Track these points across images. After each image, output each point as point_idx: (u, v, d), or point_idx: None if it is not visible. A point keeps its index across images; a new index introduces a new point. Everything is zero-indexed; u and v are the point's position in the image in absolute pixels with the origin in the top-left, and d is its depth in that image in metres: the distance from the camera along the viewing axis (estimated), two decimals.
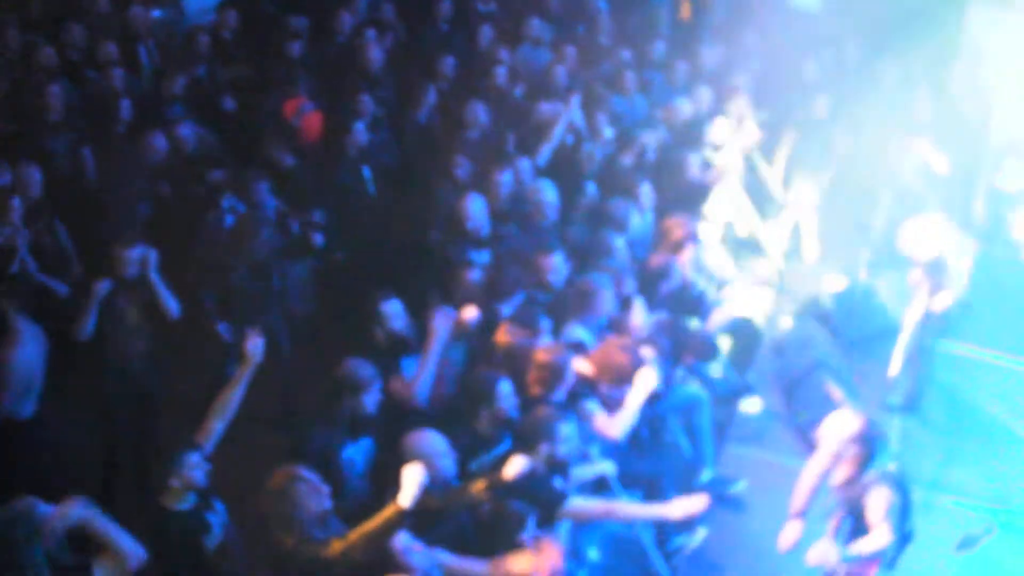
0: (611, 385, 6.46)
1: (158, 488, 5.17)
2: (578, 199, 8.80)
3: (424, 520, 5.18)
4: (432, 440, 5.53)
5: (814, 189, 11.14)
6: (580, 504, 5.84)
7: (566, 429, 5.79)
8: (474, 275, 7.26)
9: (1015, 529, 7.50)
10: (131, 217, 7.80)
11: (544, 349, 6.30)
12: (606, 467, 6.36)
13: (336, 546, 4.96)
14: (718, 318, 7.83)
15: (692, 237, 8.04)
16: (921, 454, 6.22)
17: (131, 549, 4.72)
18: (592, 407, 6.35)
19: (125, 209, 7.82)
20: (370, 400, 5.89)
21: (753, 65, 11.47)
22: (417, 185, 8.91)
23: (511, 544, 5.30)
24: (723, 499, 7.58)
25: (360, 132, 8.74)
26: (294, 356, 7.63)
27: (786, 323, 9.66)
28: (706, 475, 7.55)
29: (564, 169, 8.90)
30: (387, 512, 5.01)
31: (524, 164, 8.63)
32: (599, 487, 6.36)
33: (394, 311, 6.60)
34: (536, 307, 7.06)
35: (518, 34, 11.15)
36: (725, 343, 8.44)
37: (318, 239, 8.21)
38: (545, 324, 6.88)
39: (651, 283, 7.72)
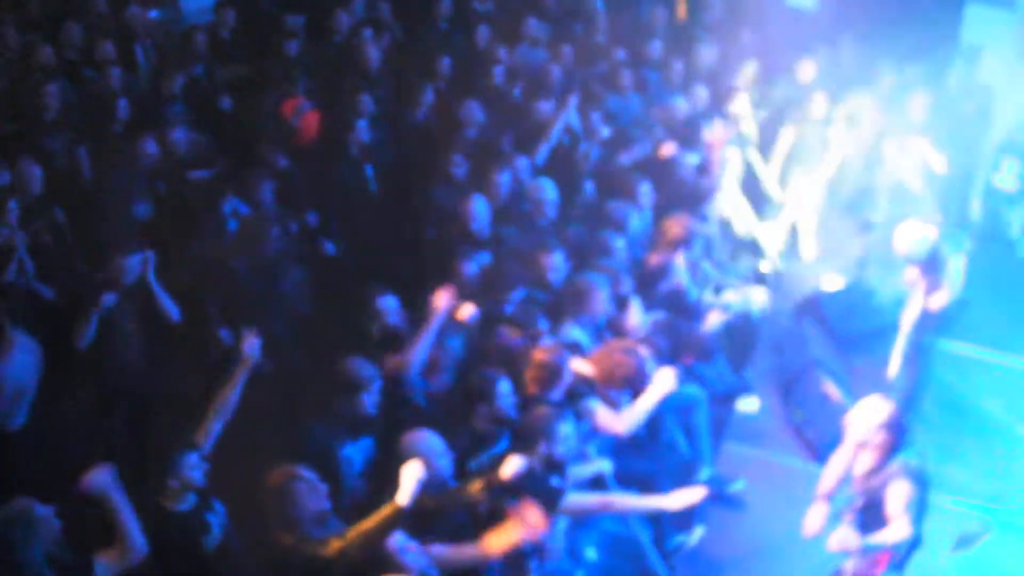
0: (612, 389, 6.46)
1: (157, 489, 5.17)
2: (576, 198, 8.81)
3: (421, 520, 5.18)
4: (429, 440, 5.53)
5: (811, 188, 11.16)
6: (577, 499, 5.85)
7: (564, 428, 5.79)
8: (470, 268, 7.26)
9: (1013, 528, 7.51)
10: (127, 217, 7.78)
11: (542, 348, 6.30)
12: (603, 465, 6.36)
13: (334, 545, 4.96)
14: (715, 318, 7.82)
15: (690, 236, 8.03)
16: (917, 453, 6.21)
17: (136, 538, 4.76)
18: (593, 405, 6.35)
19: (121, 209, 7.79)
20: (370, 400, 5.89)
21: (750, 64, 11.47)
22: (414, 184, 8.91)
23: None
24: (721, 498, 7.59)
25: (362, 130, 8.74)
26: (294, 356, 7.62)
27: (783, 322, 9.68)
28: (704, 474, 7.55)
29: (561, 168, 8.90)
30: (385, 511, 5.01)
31: (522, 163, 8.64)
32: (596, 486, 6.36)
33: (389, 307, 6.60)
34: (535, 306, 7.06)
35: (516, 33, 11.14)
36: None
37: (329, 248, 8.24)
38: (543, 324, 6.89)
39: (649, 282, 7.72)
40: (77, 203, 7.82)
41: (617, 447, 6.68)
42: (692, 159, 9.30)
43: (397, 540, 4.96)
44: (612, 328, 7.20)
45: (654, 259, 7.88)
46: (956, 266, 8.11)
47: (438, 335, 6.45)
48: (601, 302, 6.99)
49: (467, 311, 6.66)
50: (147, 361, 6.93)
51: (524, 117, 9.59)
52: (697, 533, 7.19)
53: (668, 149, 9.16)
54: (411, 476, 5.02)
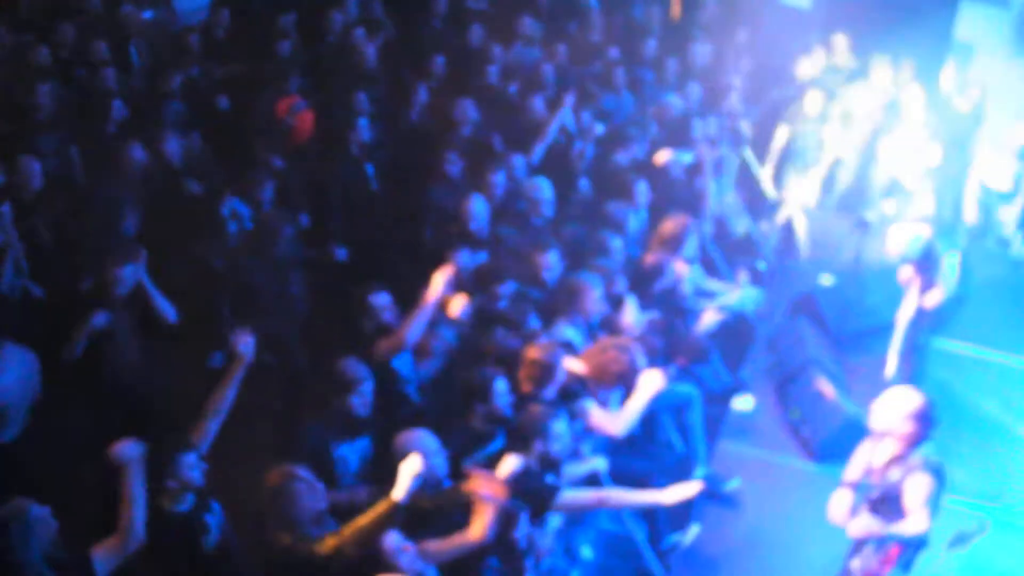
0: (604, 386, 6.46)
1: (155, 490, 5.15)
2: (571, 197, 8.81)
3: (418, 520, 5.17)
4: (424, 439, 5.53)
5: (806, 186, 11.17)
6: (573, 495, 5.85)
7: (558, 427, 5.79)
8: (462, 259, 7.27)
9: (1009, 527, 7.52)
10: (117, 224, 7.71)
11: (535, 347, 6.30)
12: (598, 463, 6.36)
13: (331, 542, 4.95)
14: (709, 318, 7.82)
15: (686, 236, 8.01)
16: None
17: (137, 522, 4.78)
18: (588, 405, 6.35)
19: (110, 216, 7.73)
20: (359, 401, 5.88)
21: (744, 62, 11.49)
22: (411, 184, 8.91)
23: (504, 540, 5.30)
24: (716, 496, 7.60)
25: (363, 129, 8.74)
26: (298, 356, 7.61)
27: (779, 320, 9.68)
28: (699, 473, 7.55)
29: (556, 167, 8.91)
30: (381, 507, 5.00)
31: (518, 161, 8.64)
32: (591, 484, 6.35)
33: (383, 303, 6.60)
34: (527, 303, 7.06)
35: (510, 32, 11.14)
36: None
37: (341, 254, 8.24)
38: (535, 322, 6.89)
39: (645, 282, 7.72)
40: (68, 205, 7.78)
41: (613, 446, 6.67)
42: (686, 158, 9.30)
43: (394, 541, 4.94)
44: (607, 327, 7.20)
45: (649, 258, 7.88)
46: (951, 264, 8.13)
47: (432, 318, 6.45)
48: (594, 302, 6.99)
49: (458, 305, 6.64)
50: (145, 370, 6.80)
51: (519, 115, 9.59)
52: (692, 531, 7.20)
53: (663, 156, 9.15)
54: (408, 471, 5.01)
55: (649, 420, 7.73)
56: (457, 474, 5.66)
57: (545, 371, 6.17)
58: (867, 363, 9.14)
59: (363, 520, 5.00)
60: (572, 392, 6.31)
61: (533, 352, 6.24)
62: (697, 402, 7.57)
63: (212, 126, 9.27)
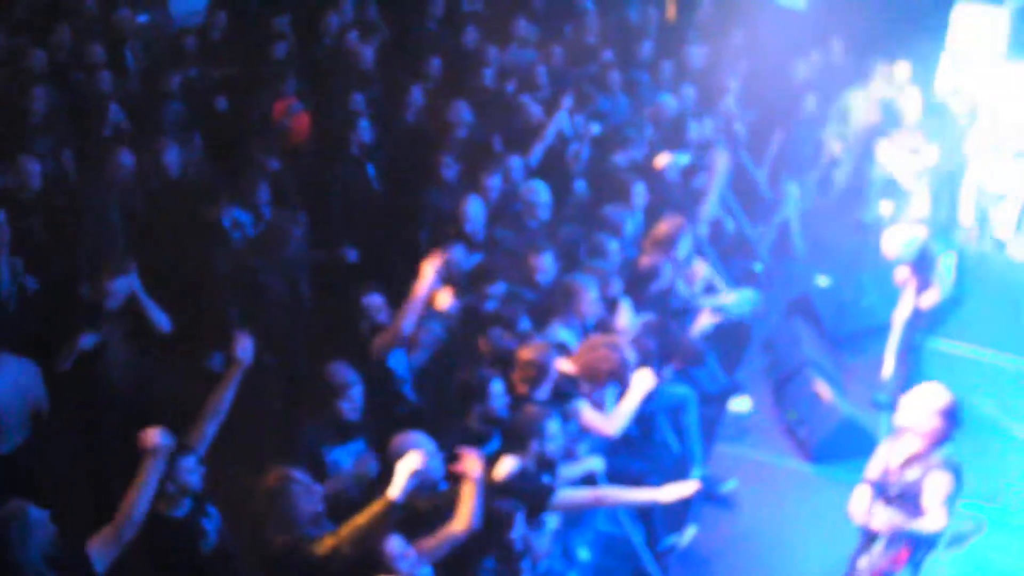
0: (595, 384, 6.45)
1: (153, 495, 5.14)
2: (567, 198, 8.81)
3: (415, 523, 5.17)
4: (419, 441, 5.52)
5: (802, 188, 11.19)
6: (569, 494, 5.85)
7: (553, 426, 5.80)
8: (455, 253, 7.28)
9: (1004, 526, 7.53)
10: (107, 232, 7.70)
11: (529, 347, 6.30)
12: (595, 464, 6.36)
13: (327, 542, 4.95)
14: (704, 320, 7.82)
15: (680, 237, 8.01)
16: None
17: (137, 513, 4.79)
18: (580, 405, 6.35)
19: (101, 224, 7.72)
20: (348, 406, 5.87)
21: (740, 64, 11.49)
22: (408, 185, 8.91)
23: (500, 541, 5.31)
24: (713, 498, 7.61)
25: (364, 130, 8.76)
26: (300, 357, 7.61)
27: (775, 321, 9.68)
28: (695, 473, 7.56)
29: (552, 168, 8.91)
30: (377, 505, 5.00)
31: (516, 162, 8.64)
32: (588, 485, 6.35)
33: (377, 304, 6.61)
34: (519, 304, 7.06)
35: (505, 33, 11.14)
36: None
37: (351, 255, 8.24)
38: (525, 323, 6.89)
39: (640, 284, 7.72)
40: (62, 207, 7.77)
41: (610, 447, 6.68)
42: (682, 159, 9.31)
43: (396, 545, 4.94)
44: (601, 330, 7.19)
45: (645, 260, 7.87)
46: (946, 265, 8.13)
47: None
48: (589, 303, 6.97)
49: (446, 298, 6.63)
50: (139, 383, 6.72)
51: (514, 117, 9.60)
52: (689, 533, 7.20)
53: (663, 159, 9.16)
54: (404, 469, 5.01)
55: (646, 421, 7.74)
56: (454, 477, 5.66)
57: (540, 371, 6.17)
58: (863, 364, 9.16)
59: (360, 519, 4.99)
60: (564, 393, 6.30)
61: (527, 353, 6.24)
62: (693, 403, 7.58)
63: (211, 127, 9.28)
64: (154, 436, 4.85)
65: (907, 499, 5.80)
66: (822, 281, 10.38)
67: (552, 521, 5.94)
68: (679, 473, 7.37)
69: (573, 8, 12.24)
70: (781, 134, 11.00)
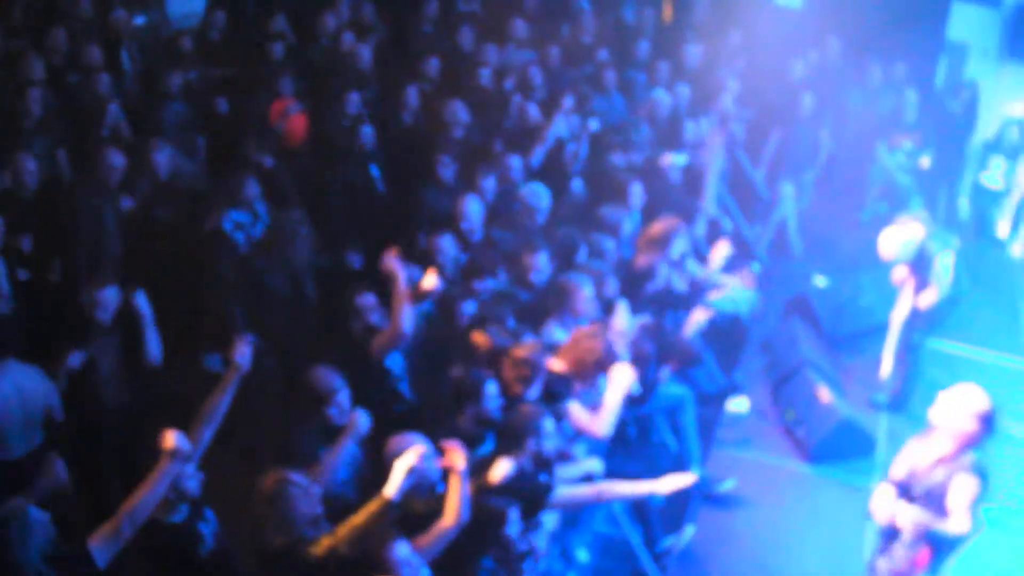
0: (585, 378, 6.42)
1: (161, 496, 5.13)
2: (564, 198, 8.80)
3: (412, 525, 5.16)
4: (416, 442, 5.50)
5: (800, 187, 11.19)
6: (568, 492, 5.84)
7: (549, 424, 5.79)
8: (445, 243, 7.29)
9: (1003, 526, 7.53)
10: (104, 225, 7.68)
11: (521, 347, 6.28)
12: (593, 465, 6.35)
13: (325, 543, 4.94)
14: (699, 316, 7.79)
15: (674, 237, 7.98)
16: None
17: (140, 510, 4.73)
18: (571, 406, 6.33)
19: (98, 216, 7.70)
20: (336, 412, 5.83)
21: (738, 64, 11.49)
22: (403, 185, 8.91)
23: (496, 538, 5.30)
24: (711, 498, 7.60)
25: (368, 134, 8.77)
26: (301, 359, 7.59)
27: (773, 321, 9.68)
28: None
29: (549, 168, 8.91)
30: (374, 505, 5.00)
31: (515, 163, 8.63)
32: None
33: (370, 304, 6.61)
34: (506, 301, 7.05)
35: (502, 34, 11.13)
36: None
37: (356, 262, 8.22)
38: (511, 323, 6.88)
39: (636, 284, 7.70)
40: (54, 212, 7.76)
41: (608, 448, 6.67)
42: (680, 159, 9.30)
43: (401, 551, 4.91)
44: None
45: (641, 260, 7.86)
46: (944, 265, 8.13)
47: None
48: (584, 302, 6.93)
49: (430, 281, 6.58)
50: (130, 405, 6.62)
51: (511, 117, 9.59)
52: (688, 533, 7.20)
53: (666, 160, 9.15)
54: (401, 468, 5.00)
55: (643, 422, 7.74)
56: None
57: (533, 371, 6.15)
58: (862, 364, 9.16)
59: (357, 519, 4.99)
60: (555, 393, 6.28)
61: (520, 352, 6.21)
62: (689, 403, 7.57)
63: (213, 131, 9.27)
64: (173, 438, 4.80)
65: (931, 500, 5.74)
66: (820, 281, 10.38)
67: (550, 521, 5.93)
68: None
69: (569, 8, 12.22)
70: (778, 134, 10.99)
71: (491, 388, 5.94)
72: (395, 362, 6.60)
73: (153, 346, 6.52)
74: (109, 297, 6.36)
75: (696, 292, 8.08)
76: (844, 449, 8.11)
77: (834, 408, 8.22)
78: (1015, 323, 9.95)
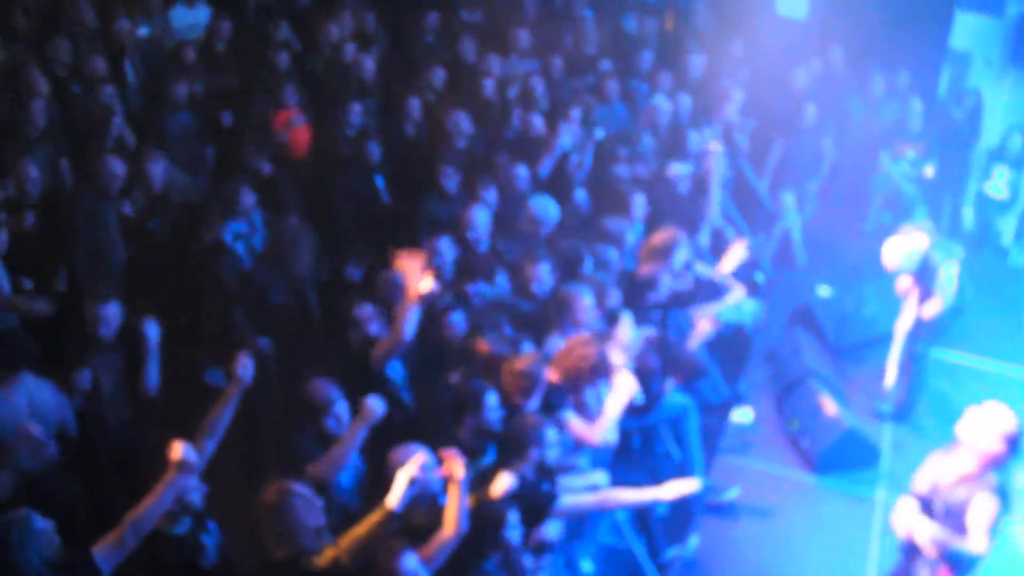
0: (580, 386, 6.41)
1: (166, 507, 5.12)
2: (568, 208, 8.79)
3: (414, 537, 5.15)
4: (417, 453, 5.50)
5: (803, 197, 11.18)
6: (573, 500, 5.83)
7: (552, 434, 5.78)
8: (442, 244, 7.28)
9: (1004, 530, 7.50)
10: (107, 234, 7.68)
11: (520, 359, 6.27)
12: (599, 478, 6.34)
13: (328, 553, 4.94)
14: (704, 327, 7.78)
15: (675, 248, 7.96)
16: (912, 462, 6.18)
17: (146, 520, 4.74)
18: (568, 416, 6.32)
19: (101, 225, 7.70)
20: (333, 423, 5.82)
21: (741, 73, 11.48)
22: (406, 196, 8.92)
23: (495, 541, 5.29)
24: (715, 508, 7.59)
25: (375, 150, 8.79)
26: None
27: (777, 332, 9.66)
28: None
29: (553, 179, 8.91)
30: (376, 515, 4.99)
31: (521, 172, 8.62)
32: None
33: (368, 315, 6.61)
34: (501, 309, 7.04)
35: (504, 44, 11.14)
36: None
37: (357, 274, 8.22)
38: (508, 328, 6.87)
39: (638, 294, 7.69)
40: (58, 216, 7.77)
41: (611, 460, 6.66)
42: (683, 169, 9.29)
43: (409, 563, 4.89)
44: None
45: (643, 270, 7.85)
46: (948, 274, 8.12)
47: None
48: (585, 311, 6.91)
49: (427, 284, 6.59)
50: (132, 425, 6.57)
51: (513, 127, 9.59)
52: (692, 543, 7.18)
53: (673, 170, 9.15)
54: (403, 478, 5.00)
55: (647, 432, 7.74)
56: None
57: (532, 382, 6.15)
58: (866, 374, 9.14)
59: (359, 530, 4.99)
60: (552, 403, 6.27)
61: (519, 363, 6.21)
62: (693, 413, 7.56)
63: (216, 139, 9.27)
64: (181, 449, 4.80)
65: (951, 517, 5.71)
66: (824, 291, 10.36)
67: (553, 530, 5.92)
68: None
69: (571, 18, 12.21)
70: (782, 143, 10.99)
71: (491, 399, 5.93)
72: (396, 371, 6.60)
73: (152, 375, 6.43)
74: (111, 314, 6.32)
75: (711, 290, 8.07)
76: (848, 459, 8.09)
77: (838, 418, 8.20)
78: (1019, 333, 9.92)
